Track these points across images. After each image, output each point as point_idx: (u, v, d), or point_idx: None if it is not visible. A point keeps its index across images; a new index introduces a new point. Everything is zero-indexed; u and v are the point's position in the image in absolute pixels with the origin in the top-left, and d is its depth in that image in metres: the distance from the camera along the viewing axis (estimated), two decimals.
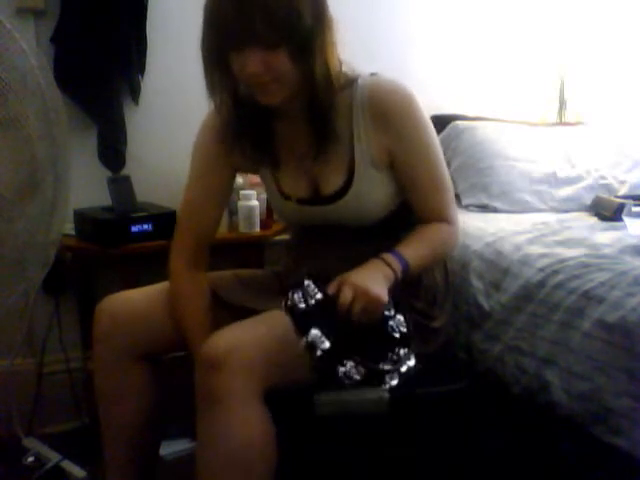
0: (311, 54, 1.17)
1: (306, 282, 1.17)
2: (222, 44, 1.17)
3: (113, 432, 1.36)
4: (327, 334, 1.13)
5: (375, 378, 1.15)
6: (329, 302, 1.16)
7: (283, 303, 1.17)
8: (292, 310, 1.14)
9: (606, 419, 1.25)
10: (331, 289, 1.18)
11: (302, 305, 1.15)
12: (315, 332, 1.13)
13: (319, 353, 1.13)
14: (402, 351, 1.20)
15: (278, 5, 1.11)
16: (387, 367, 1.16)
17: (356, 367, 1.15)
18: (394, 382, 1.16)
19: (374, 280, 1.18)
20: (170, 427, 1.55)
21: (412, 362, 1.19)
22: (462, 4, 2.45)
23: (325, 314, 1.17)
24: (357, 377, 1.14)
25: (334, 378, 1.14)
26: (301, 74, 1.18)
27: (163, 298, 1.36)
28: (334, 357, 1.14)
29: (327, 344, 1.13)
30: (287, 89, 1.19)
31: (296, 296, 1.16)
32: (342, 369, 1.14)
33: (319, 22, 1.18)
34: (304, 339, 1.13)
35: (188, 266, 1.36)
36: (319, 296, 1.17)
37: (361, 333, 1.18)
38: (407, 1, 2.39)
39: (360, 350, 1.17)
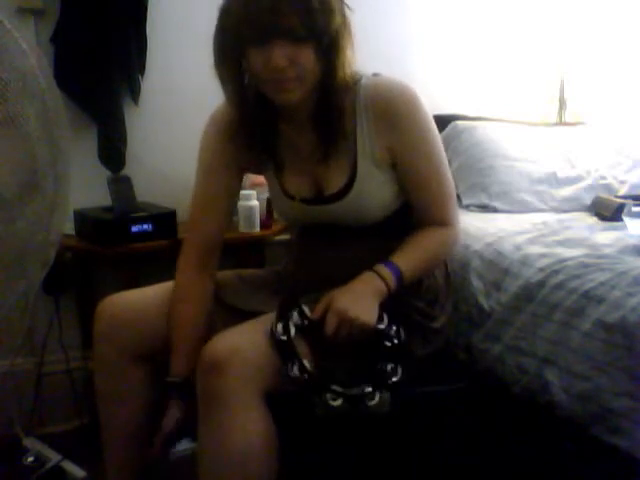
0: (335, 53, 1.17)
1: (292, 312, 1.18)
2: (245, 36, 1.14)
3: (113, 432, 1.36)
4: (305, 367, 1.15)
5: (353, 403, 1.16)
6: (314, 326, 1.17)
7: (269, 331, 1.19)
8: (275, 340, 1.16)
9: (606, 419, 1.25)
10: (316, 313, 1.19)
11: (283, 337, 1.16)
12: (294, 368, 1.15)
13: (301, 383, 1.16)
14: (389, 366, 1.19)
15: (315, 0, 1.11)
16: (367, 389, 1.16)
17: (334, 399, 1.15)
18: (373, 402, 1.16)
19: (362, 302, 1.18)
20: None
21: (397, 377, 1.18)
22: (462, 4, 2.45)
23: (311, 337, 1.18)
24: (336, 404, 1.15)
25: (313, 406, 1.16)
26: (321, 73, 1.18)
27: (163, 298, 1.35)
28: (313, 389, 1.15)
29: (305, 377, 1.15)
30: (306, 87, 1.18)
31: (279, 326, 1.17)
32: (320, 399, 1.15)
33: (345, 22, 1.18)
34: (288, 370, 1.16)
35: (195, 267, 1.35)
36: (306, 322, 1.18)
37: (347, 352, 1.19)
38: (407, 1, 2.39)
39: (342, 373, 1.18)
